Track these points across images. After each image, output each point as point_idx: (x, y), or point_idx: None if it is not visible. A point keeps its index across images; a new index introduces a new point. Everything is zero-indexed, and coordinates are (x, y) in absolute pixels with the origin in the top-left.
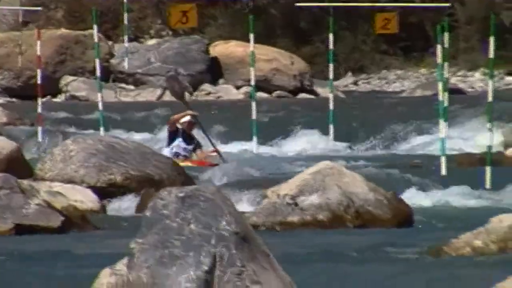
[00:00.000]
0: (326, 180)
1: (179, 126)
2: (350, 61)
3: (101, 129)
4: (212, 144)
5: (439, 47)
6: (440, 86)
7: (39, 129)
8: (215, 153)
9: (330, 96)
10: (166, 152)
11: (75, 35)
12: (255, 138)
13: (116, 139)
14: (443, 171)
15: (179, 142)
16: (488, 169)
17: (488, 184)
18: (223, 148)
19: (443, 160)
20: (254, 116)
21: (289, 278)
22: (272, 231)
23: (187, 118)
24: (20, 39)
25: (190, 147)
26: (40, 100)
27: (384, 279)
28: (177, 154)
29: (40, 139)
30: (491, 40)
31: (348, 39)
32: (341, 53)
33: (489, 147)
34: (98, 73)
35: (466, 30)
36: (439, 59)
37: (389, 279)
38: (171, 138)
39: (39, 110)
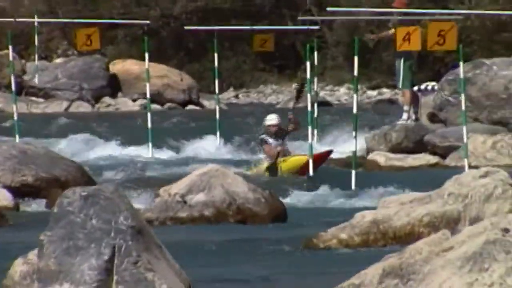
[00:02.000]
0: (212, 180)
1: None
2: (232, 78)
3: (17, 136)
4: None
5: (308, 64)
6: (309, 98)
7: None
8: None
9: (217, 107)
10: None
11: None
12: (150, 144)
13: (28, 145)
14: (311, 172)
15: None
16: (353, 172)
17: (353, 185)
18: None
19: (310, 162)
20: (149, 125)
21: (179, 267)
22: (164, 225)
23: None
24: None
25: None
26: None
27: (262, 268)
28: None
29: None
30: (355, 59)
31: (230, 58)
32: (225, 70)
33: (354, 152)
34: (13, 87)
35: (333, 50)
36: (308, 75)
37: (266, 268)
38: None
39: None
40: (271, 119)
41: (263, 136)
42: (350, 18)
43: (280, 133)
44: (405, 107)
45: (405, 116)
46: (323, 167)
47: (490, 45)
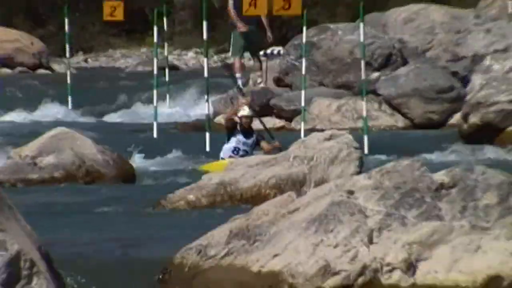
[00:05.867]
0: (61, 143)
1: (237, 120)
2: (81, 42)
3: None
4: (271, 136)
5: (155, 29)
6: (155, 62)
7: None
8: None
9: (68, 72)
10: (226, 148)
11: None
12: None
13: None
14: (155, 135)
15: (238, 137)
16: (207, 135)
17: (207, 147)
18: None
19: (155, 124)
20: None
21: (30, 228)
22: (15, 187)
23: (245, 112)
24: None
25: (250, 141)
26: None
27: (111, 230)
28: (236, 150)
29: None
30: (204, 24)
31: (79, 22)
32: (74, 35)
33: (207, 115)
34: None
35: (180, 15)
36: (155, 40)
37: (114, 230)
38: (230, 134)
39: None
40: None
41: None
42: None
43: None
44: (237, 75)
45: (239, 82)
46: (174, 132)
47: (334, 9)
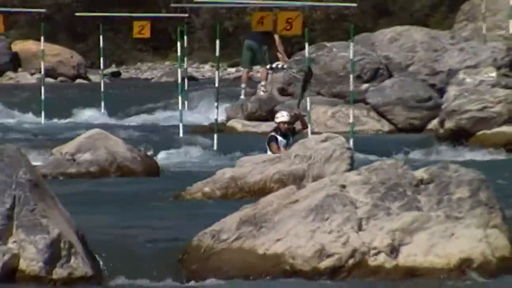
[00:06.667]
0: (96, 142)
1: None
2: (115, 56)
3: None
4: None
5: (179, 45)
6: (179, 72)
7: None
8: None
9: (102, 82)
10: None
11: None
12: (43, 113)
13: None
14: (181, 134)
15: (279, 138)
16: (215, 136)
17: (215, 147)
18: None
19: (181, 126)
20: (43, 96)
21: (69, 214)
22: (56, 179)
23: (283, 118)
24: None
25: (285, 141)
26: None
27: (139, 217)
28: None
29: None
30: (217, 42)
31: (113, 39)
32: (108, 50)
33: (216, 119)
34: None
35: (199, 33)
36: (179, 54)
37: (142, 217)
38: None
39: None
40: (282, 116)
41: (273, 133)
42: (214, 5)
43: (288, 130)
44: (242, 85)
45: (242, 90)
46: (193, 133)
47: (331, 31)
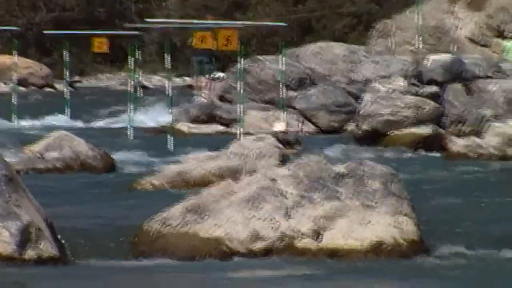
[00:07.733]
0: (62, 142)
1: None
2: (77, 68)
3: None
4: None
5: (132, 59)
6: (130, 83)
7: None
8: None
9: (66, 90)
10: None
11: None
12: (14, 115)
13: None
14: (131, 137)
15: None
16: (170, 137)
17: (171, 147)
18: None
19: (131, 128)
20: (15, 101)
21: (38, 204)
22: (27, 174)
23: (281, 127)
24: None
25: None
26: None
27: (97, 206)
28: None
29: None
30: (167, 56)
31: (76, 54)
32: (72, 62)
33: (171, 122)
34: None
35: (150, 48)
36: (131, 67)
37: (100, 206)
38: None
39: None
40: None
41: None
42: (162, 26)
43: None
44: (205, 90)
45: (203, 96)
46: (144, 135)
47: (263, 46)
